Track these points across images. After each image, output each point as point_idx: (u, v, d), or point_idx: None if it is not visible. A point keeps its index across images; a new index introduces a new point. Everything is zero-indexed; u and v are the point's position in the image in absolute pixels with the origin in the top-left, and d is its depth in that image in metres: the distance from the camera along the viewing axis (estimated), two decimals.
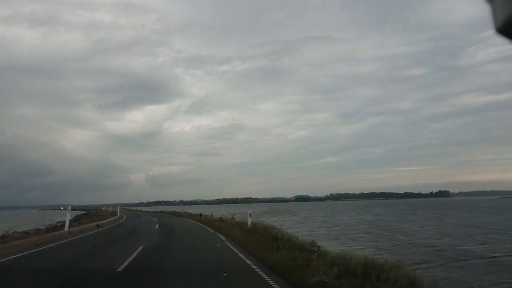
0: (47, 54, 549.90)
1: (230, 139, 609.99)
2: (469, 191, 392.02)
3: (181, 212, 54.39)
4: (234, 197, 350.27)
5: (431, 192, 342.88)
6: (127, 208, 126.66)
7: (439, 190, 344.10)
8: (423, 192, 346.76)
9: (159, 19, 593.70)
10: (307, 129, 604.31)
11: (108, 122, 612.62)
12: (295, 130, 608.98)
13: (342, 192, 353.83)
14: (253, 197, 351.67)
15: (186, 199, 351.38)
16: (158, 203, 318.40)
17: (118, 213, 51.04)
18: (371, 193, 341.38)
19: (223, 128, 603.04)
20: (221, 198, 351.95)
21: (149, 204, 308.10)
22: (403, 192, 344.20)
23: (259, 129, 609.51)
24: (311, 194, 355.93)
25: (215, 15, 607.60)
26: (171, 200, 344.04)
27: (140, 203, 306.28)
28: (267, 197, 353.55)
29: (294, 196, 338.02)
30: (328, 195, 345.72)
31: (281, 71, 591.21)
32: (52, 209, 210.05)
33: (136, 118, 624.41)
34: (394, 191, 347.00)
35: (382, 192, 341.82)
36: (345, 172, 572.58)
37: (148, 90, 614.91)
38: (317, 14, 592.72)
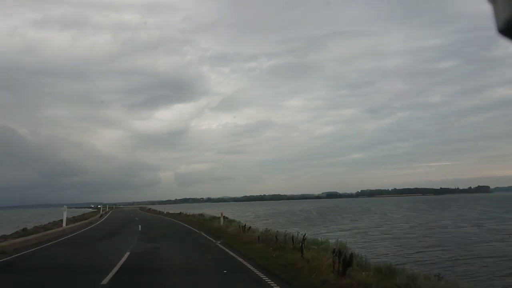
0: (76, 56, 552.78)
1: (256, 136, 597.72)
2: (505, 186, 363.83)
3: (219, 223, 24.39)
4: (262, 194, 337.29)
5: (470, 188, 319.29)
6: (143, 206, 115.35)
7: (478, 185, 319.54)
8: (460, 187, 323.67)
9: (185, 18, 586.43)
10: (334, 125, 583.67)
11: (136, 122, 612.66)
12: (322, 126, 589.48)
13: (373, 188, 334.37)
14: (281, 194, 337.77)
15: (213, 196, 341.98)
16: (185, 200, 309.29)
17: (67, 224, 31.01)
18: (405, 189, 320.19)
19: (249, 125, 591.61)
20: (248, 195, 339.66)
21: (176, 201, 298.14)
22: (439, 188, 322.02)
23: (285, 126, 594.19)
24: (339, 190, 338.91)
25: (240, 12, 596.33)
26: (198, 197, 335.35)
27: (167, 200, 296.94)
28: (295, 193, 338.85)
29: (325, 193, 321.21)
30: (359, 191, 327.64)
31: (307, 67, 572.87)
32: (79, 207, 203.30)
33: (164, 117, 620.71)
34: (425, 187, 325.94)
35: (416, 188, 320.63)
36: (373, 168, 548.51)
37: (175, 89, 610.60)
38: (343, 8, 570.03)
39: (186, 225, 27.77)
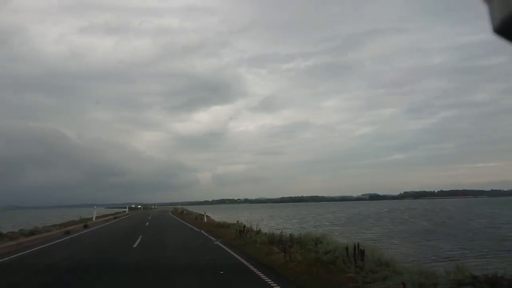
0: (118, 61, 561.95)
1: (293, 138, 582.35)
2: None
3: None
4: (300, 196, 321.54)
5: None
6: (177, 207, 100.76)
7: None
8: None
9: (222, 21, 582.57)
10: (373, 125, 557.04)
11: (175, 124, 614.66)
12: (360, 126, 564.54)
13: (417, 190, 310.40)
14: (319, 195, 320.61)
15: (250, 197, 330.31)
16: (222, 201, 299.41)
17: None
18: (453, 190, 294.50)
19: (286, 126, 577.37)
20: (286, 196, 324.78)
21: (213, 202, 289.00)
22: (489, 190, 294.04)
23: (323, 126, 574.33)
24: (379, 192, 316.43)
25: (277, 12, 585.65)
26: (236, 198, 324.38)
27: (204, 201, 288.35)
28: (333, 195, 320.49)
29: (366, 194, 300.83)
30: (402, 193, 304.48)
31: (345, 67, 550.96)
32: (115, 207, 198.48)
33: (202, 119, 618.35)
34: (471, 188, 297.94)
35: (465, 189, 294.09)
36: (414, 169, 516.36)
37: (213, 91, 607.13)
38: (382, 5, 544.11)
39: None
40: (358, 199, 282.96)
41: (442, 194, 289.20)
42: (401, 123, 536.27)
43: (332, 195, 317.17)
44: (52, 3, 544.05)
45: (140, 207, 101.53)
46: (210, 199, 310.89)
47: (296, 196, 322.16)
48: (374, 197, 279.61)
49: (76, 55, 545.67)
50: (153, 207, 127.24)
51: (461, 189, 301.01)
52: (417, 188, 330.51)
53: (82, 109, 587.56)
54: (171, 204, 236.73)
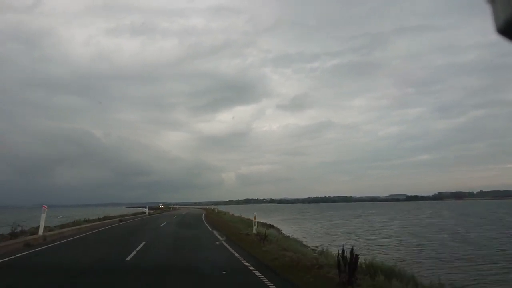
0: (144, 62, 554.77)
1: (317, 138, 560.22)
2: None
3: None
4: (327, 196, 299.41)
5: None
6: (214, 208, 78.72)
7: None
8: None
9: (247, 21, 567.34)
10: (400, 125, 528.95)
11: (199, 124, 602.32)
12: (386, 126, 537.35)
13: (453, 190, 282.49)
14: (347, 195, 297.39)
15: (275, 197, 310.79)
16: (247, 201, 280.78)
17: None
18: (494, 191, 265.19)
19: (311, 126, 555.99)
20: (312, 196, 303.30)
21: (239, 202, 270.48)
22: None
23: (348, 126, 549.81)
24: (408, 192, 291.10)
25: (303, 10, 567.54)
26: (261, 198, 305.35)
27: (229, 201, 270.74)
28: (359, 195, 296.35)
29: (399, 195, 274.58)
30: (437, 193, 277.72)
31: (372, 65, 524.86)
32: (137, 207, 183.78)
33: (226, 119, 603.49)
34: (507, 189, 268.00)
35: (506, 190, 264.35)
36: (442, 170, 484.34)
37: (237, 91, 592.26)
38: (410, 2, 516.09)
39: None
40: (391, 199, 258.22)
41: (483, 195, 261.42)
42: (429, 123, 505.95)
43: (359, 196, 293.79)
44: (80, 6, 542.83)
45: (148, 210, 74.44)
46: (234, 199, 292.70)
47: (323, 196, 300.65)
48: (411, 198, 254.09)
49: (104, 57, 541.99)
50: (171, 207, 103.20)
51: (503, 189, 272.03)
52: (450, 189, 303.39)
53: (110, 110, 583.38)
54: (195, 203, 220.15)
